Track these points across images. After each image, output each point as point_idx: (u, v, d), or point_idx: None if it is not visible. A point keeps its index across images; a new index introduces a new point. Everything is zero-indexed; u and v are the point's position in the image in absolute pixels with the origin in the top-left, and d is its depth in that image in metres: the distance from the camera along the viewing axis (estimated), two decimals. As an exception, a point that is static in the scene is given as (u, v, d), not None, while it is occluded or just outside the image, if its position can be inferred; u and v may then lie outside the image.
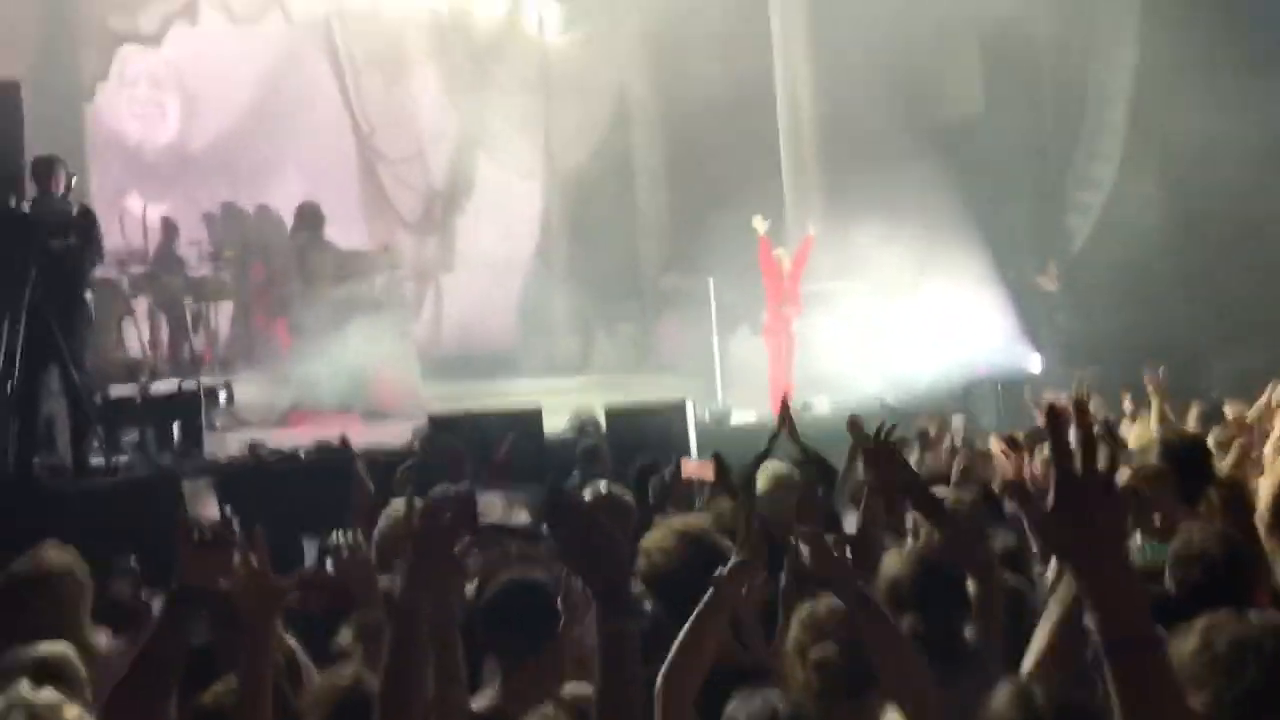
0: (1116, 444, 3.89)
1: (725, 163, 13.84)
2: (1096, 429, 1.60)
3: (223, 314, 11.12)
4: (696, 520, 3.17)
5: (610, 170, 14.78)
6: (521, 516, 2.18)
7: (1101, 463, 1.57)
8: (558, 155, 14.98)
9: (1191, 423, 6.22)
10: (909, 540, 3.69)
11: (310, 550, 4.42)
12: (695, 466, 4.47)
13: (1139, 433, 5.79)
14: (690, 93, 13.56)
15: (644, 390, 11.99)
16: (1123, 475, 3.58)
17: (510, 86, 15.13)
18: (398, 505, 3.40)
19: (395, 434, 8.46)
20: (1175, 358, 8.02)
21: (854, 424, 3.60)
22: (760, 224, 12.11)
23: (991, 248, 13.01)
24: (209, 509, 2.46)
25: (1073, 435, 1.57)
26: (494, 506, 2.20)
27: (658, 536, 3.02)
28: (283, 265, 11.26)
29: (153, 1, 12.16)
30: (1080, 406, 1.67)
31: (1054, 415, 1.60)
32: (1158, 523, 3.57)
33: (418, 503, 2.30)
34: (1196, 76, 12.72)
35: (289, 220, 11.50)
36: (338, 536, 3.12)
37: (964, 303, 12.48)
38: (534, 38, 15.70)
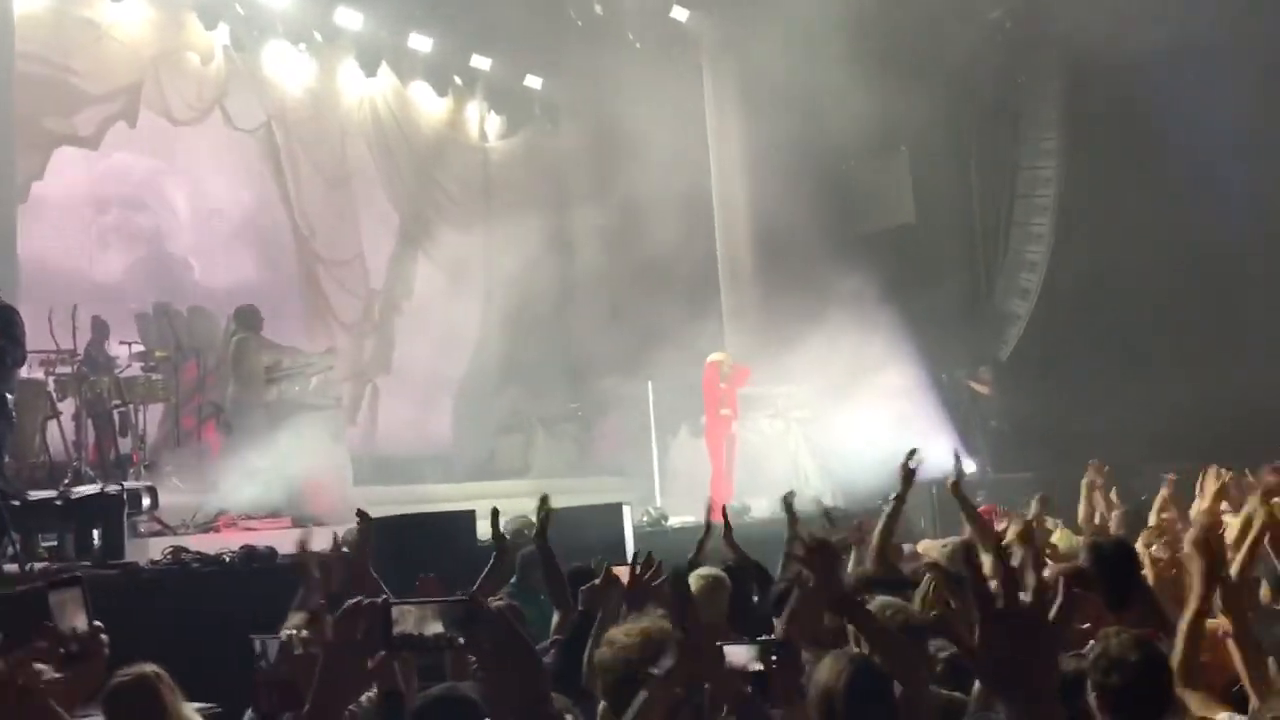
0: (1040, 563, 3.88)
1: (665, 265, 14.02)
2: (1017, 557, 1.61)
3: (152, 416, 10.90)
4: (661, 622, 3.15)
5: (550, 273, 14.89)
6: (435, 626, 2.13)
7: (1027, 594, 1.57)
8: (498, 258, 15.08)
9: (1114, 525, 6.30)
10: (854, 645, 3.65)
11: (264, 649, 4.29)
12: (625, 572, 4.41)
13: (1060, 536, 5.85)
14: (630, 198, 13.78)
15: (582, 493, 11.91)
16: (1049, 574, 3.58)
17: (451, 190, 15.30)
18: (296, 620, 3.34)
19: (325, 541, 8.26)
20: (1105, 461, 8.14)
21: (788, 502, 3.68)
22: (720, 357, 12.33)
23: (925, 353, 13.23)
24: (77, 619, 2.36)
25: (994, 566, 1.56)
26: (409, 616, 2.15)
27: (624, 631, 3.02)
28: (216, 367, 11.12)
29: (91, 104, 12.14)
30: (1000, 547, 1.66)
31: (967, 551, 1.62)
32: (1086, 625, 3.56)
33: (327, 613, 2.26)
34: (1118, 188, 13.21)
35: (224, 321, 11.39)
36: (291, 635, 3.04)
37: (900, 406, 12.63)
38: (475, 143, 15.93)
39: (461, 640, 2.09)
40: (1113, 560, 3.91)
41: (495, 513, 4.60)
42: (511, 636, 2.01)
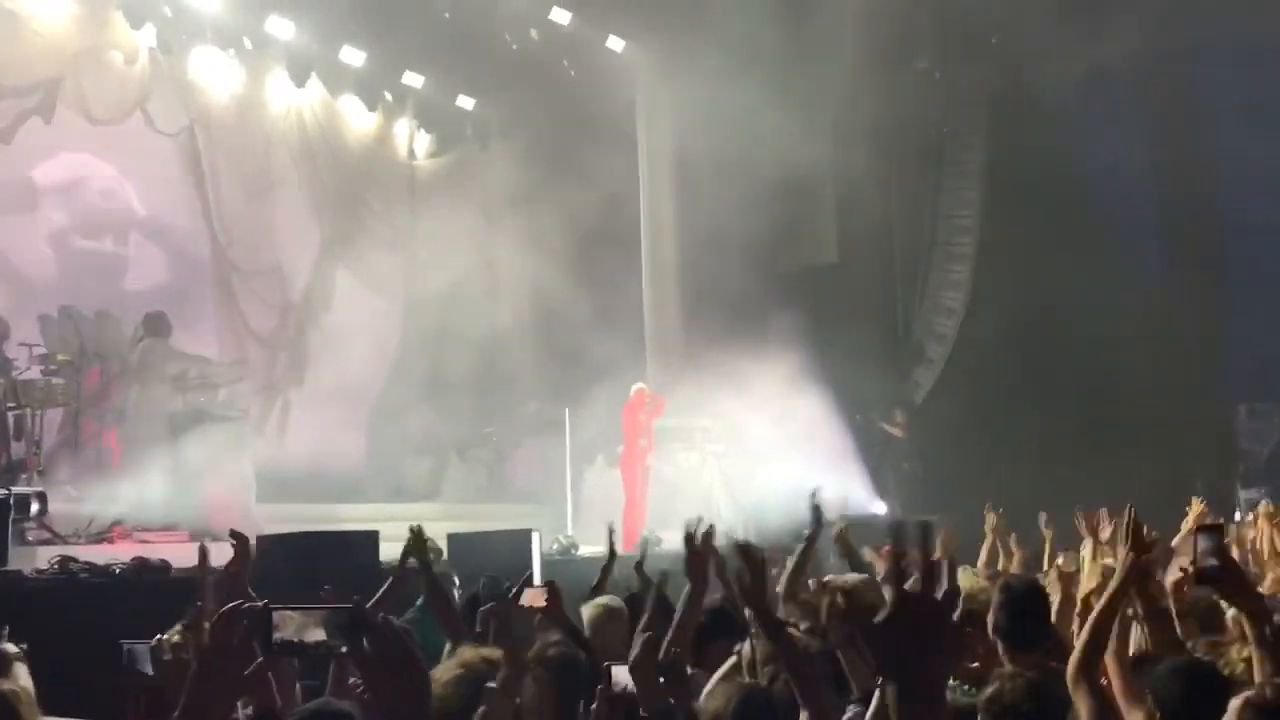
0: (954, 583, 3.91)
1: (588, 293, 13.99)
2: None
3: (50, 421, 10.53)
4: (487, 653, 3.12)
5: (473, 294, 14.76)
6: (317, 633, 2.03)
7: (939, 589, 1.58)
8: (420, 275, 14.92)
9: (1015, 567, 6.37)
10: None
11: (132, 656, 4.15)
12: (530, 595, 4.36)
13: (966, 577, 5.89)
14: (556, 224, 13.75)
15: (494, 519, 11.77)
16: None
17: (375, 205, 15.12)
18: (178, 627, 3.22)
19: (224, 555, 8.03)
20: (1013, 506, 8.26)
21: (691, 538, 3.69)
22: (641, 390, 12.33)
23: (842, 392, 13.35)
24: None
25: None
26: (290, 621, 2.04)
27: (442, 668, 2.98)
28: (120, 373, 10.79)
29: (5, 96, 11.77)
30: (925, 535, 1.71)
31: (898, 534, 1.66)
32: (975, 664, 3.58)
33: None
34: (1035, 238, 13.54)
35: (131, 327, 11.07)
36: (160, 640, 2.93)
37: (815, 444, 12.71)
38: (403, 160, 15.79)
39: (344, 648, 2.00)
40: (1023, 600, 3.90)
41: (420, 532, 4.53)
42: (399, 648, 1.93)
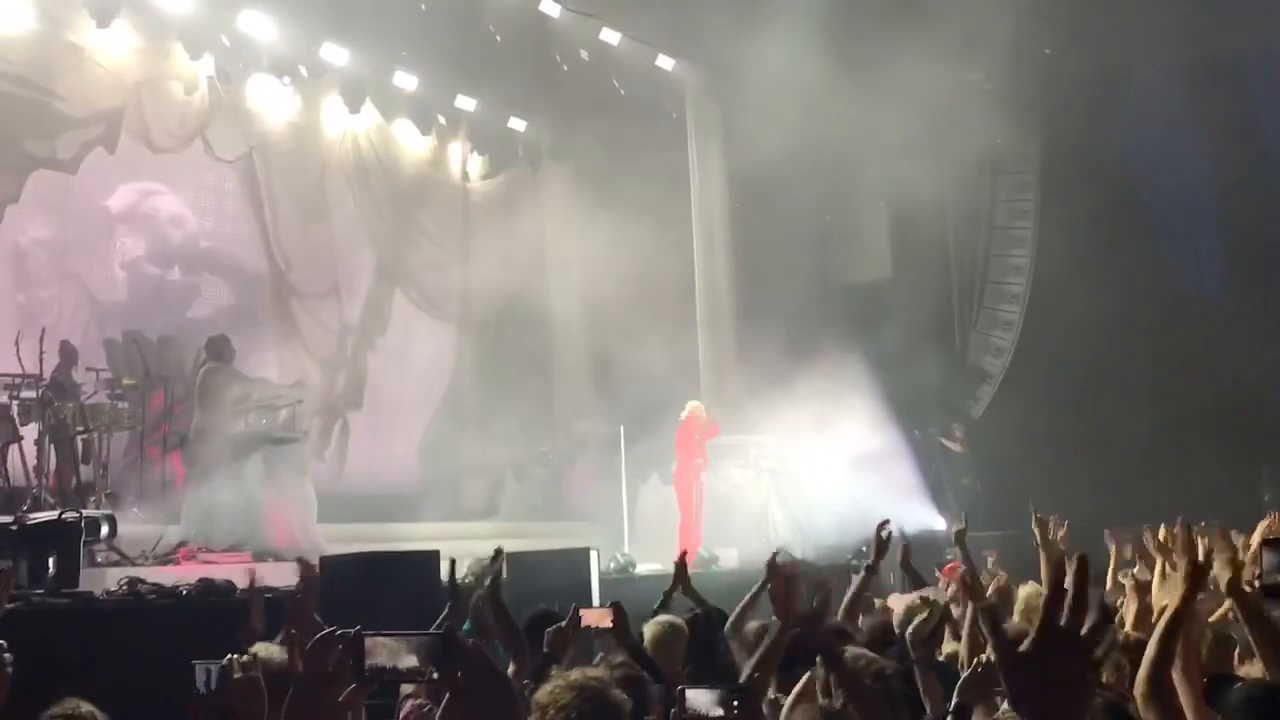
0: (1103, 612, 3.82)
1: (642, 311, 14.01)
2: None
3: (116, 444, 10.75)
4: (595, 673, 3.06)
5: (527, 314, 14.85)
6: (409, 660, 2.05)
7: (1087, 624, 1.53)
8: (474, 297, 15.05)
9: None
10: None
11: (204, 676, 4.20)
12: (594, 615, 4.35)
13: (1028, 594, 5.81)
14: (609, 243, 13.79)
15: (551, 538, 11.80)
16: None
17: (430, 228, 15.28)
18: (268, 648, 3.23)
19: (287, 575, 8.13)
20: (1073, 523, 8.13)
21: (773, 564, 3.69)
22: (696, 408, 12.23)
23: (899, 408, 13.24)
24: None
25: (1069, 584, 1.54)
26: (382, 648, 2.07)
27: (552, 689, 2.90)
28: (183, 397, 11.00)
29: (72, 127, 12.07)
30: (1081, 565, 1.63)
31: (1056, 562, 1.59)
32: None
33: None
34: (1093, 249, 13.34)
35: (194, 351, 11.28)
36: (231, 659, 2.95)
37: (872, 460, 12.61)
38: (457, 183, 15.95)
39: (436, 674, 2.02)
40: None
41: (452, 564, 4.56)
42: (489, 672, 1.95)
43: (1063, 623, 1.52)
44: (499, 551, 4.57)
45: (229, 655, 3.00)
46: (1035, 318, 14.66)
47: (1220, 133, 12.97)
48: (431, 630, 2.12)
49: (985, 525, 12.65)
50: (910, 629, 3.98)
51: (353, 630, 2.12)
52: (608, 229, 13.83)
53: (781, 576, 3.50)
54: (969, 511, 13.73)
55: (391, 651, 2.05)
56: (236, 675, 2.83)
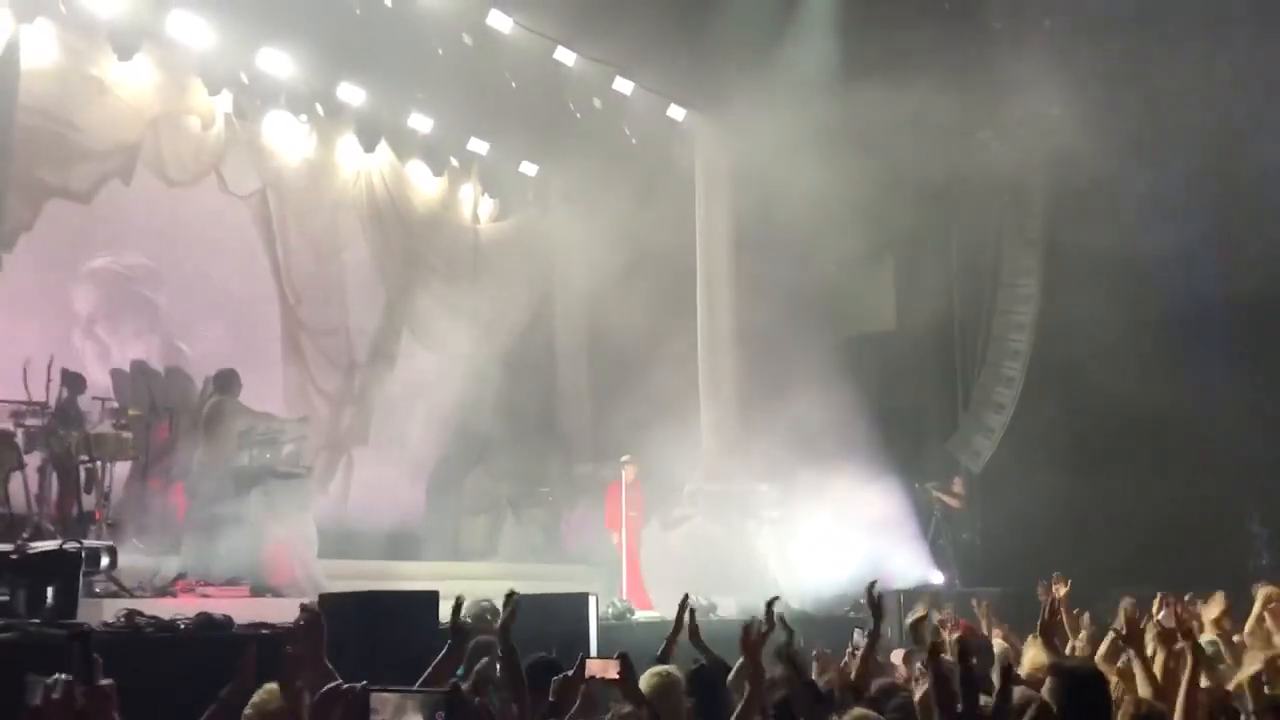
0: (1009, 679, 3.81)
1: (646, 356, 14.08)
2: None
3: (119, 474, 10.77)
4: None
5: (532, 357, 14.93)
6: (414, 717, 2.07)
7: (982, 706, 1.54)
8: (481, 338, 15.13)
9: (1081, 644, 6.25)
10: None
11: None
12: (599, 665, 4.34)
13: (1033, 655, 5.79)
14: (615, 289, 13.89)
15: (548, 579, 11.80)
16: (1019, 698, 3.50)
17: (439, 268, 15.39)
18: (270, 689, 3.24)
19: (285, 612, 8.13)
20: (1073, 579, 8.12)
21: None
22: (628, 466, 12.75)
23: (899, 461, 13.26)
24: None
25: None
26: (387, 703, 2.09)
27: None
28: (188, 429, 11.03)
29: (89, 159, 12.22)
30: (963, 645, 1.64)
31: (933, 654, 1.59)
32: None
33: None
34: (1096, 307, 13.40)
35: (201, 383, 11.33)
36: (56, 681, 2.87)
37: (871, 513, 12.62)
38: (467, 224, 16.09)
39: None
40: (1082, 688, 3.77)
41: (459, 602, 4.53)
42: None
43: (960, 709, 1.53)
44: (512, 594, 4.55)
45: (57, 676, 2.94)
46: (1037, 374, 14.71)
47: (1227, 200, 13.06)
48: (432, 684, 2.13)
49: (985, 581, 12.64)
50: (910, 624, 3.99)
51: (358, 686, 2.14)
52: (614, 275, 13.94)
53: (746, 642, 3.53)
54: (966, 567, 13.77)
55: (397, 708, 2.07)
56: (53, 697, 2.79)
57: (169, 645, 6.72)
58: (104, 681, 2.10)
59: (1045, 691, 3.71)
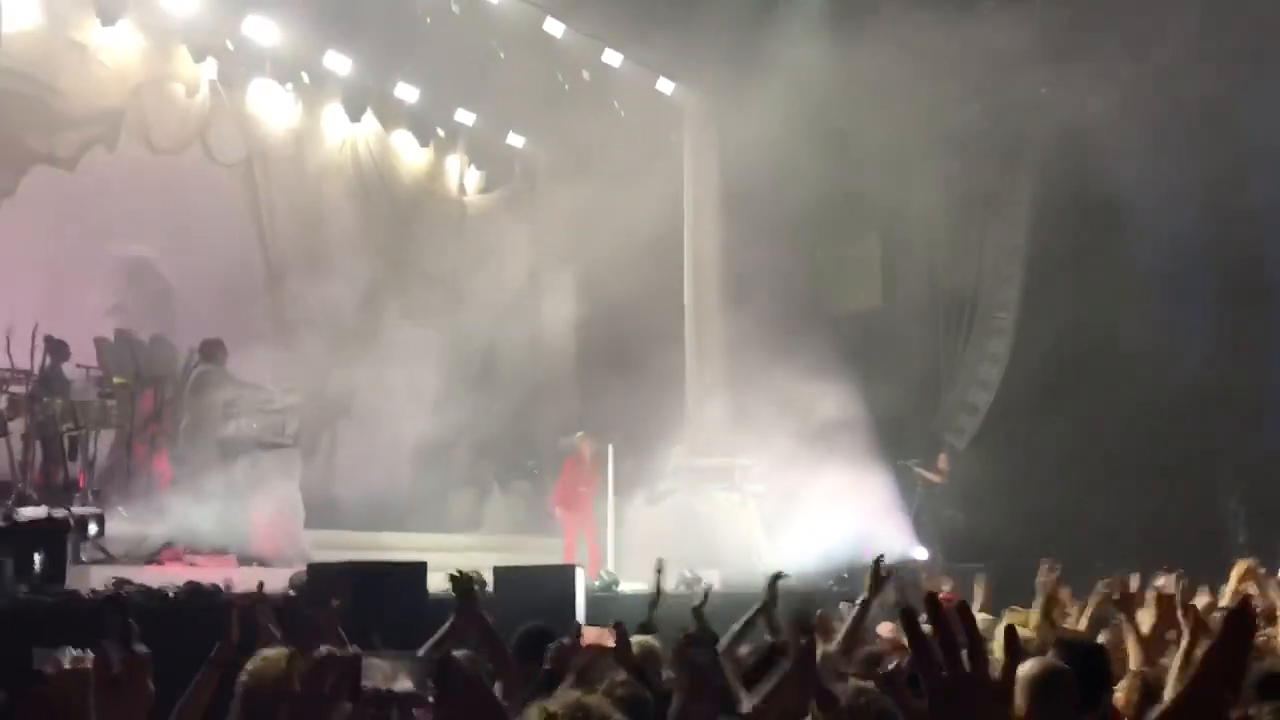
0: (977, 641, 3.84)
1: (632, 330, 14.09)
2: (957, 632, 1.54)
3: (104, 442, 10.73)
4: (594, 694, 3.09)
5: (518, 328, 14.91)
6: (405, 683, 2.08)
7: (967, 664, 1.52)
8: (467, 309, 15.09)
9: (1083, 624, 6.29)
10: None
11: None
12: (596, 634, 4.38)
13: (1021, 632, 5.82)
14: (602, 262, 13.87)
15: (534, 551, 11.84)
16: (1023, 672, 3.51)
17: (425, 239, 15.31)
18: (275, 652, 3.25)
19: (271, 580, 8.14)
20: (1056, 556, 8.20)
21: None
22: (582, 442, 12.90)
23: (884, 437, 13.33)
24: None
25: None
26: (378, 670, 2.10)
27: (552, 710, 2.93)
28: (173, 398, 10.99)
29: (72, 125, 12.08)
30: (955, 608, 1.59)
31: (907, 617, 1.54)
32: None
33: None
34: (1081, 286, 13.49)
35: (185, 352, 11.27)
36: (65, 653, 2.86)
37: (855, 487, 12.69)
38: (453, 196, 16.01)
39: (431, 698, 2.05)
40: (1085, 660, 3.81)
41: (468, 579, 4.54)
42: (485, 697, 1.99)
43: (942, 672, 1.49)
44: (471, 575, 4.60)
45: (66, 648, 2.95)
46: (1021, 352, 14.79)
47: (1213, 172, 13.13)
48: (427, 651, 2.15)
49: (967, 556, 12.75)
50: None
51: (349, 652, 2.15)
52: (601, 247, 13.91)
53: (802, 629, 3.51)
54: (948, 543, 13.87)
55: (387, 674, 2.08)
56: (66, 668, 2.81)
57: (158, 613, 6.74)
58: (139, 648, 2.09)
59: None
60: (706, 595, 5.39)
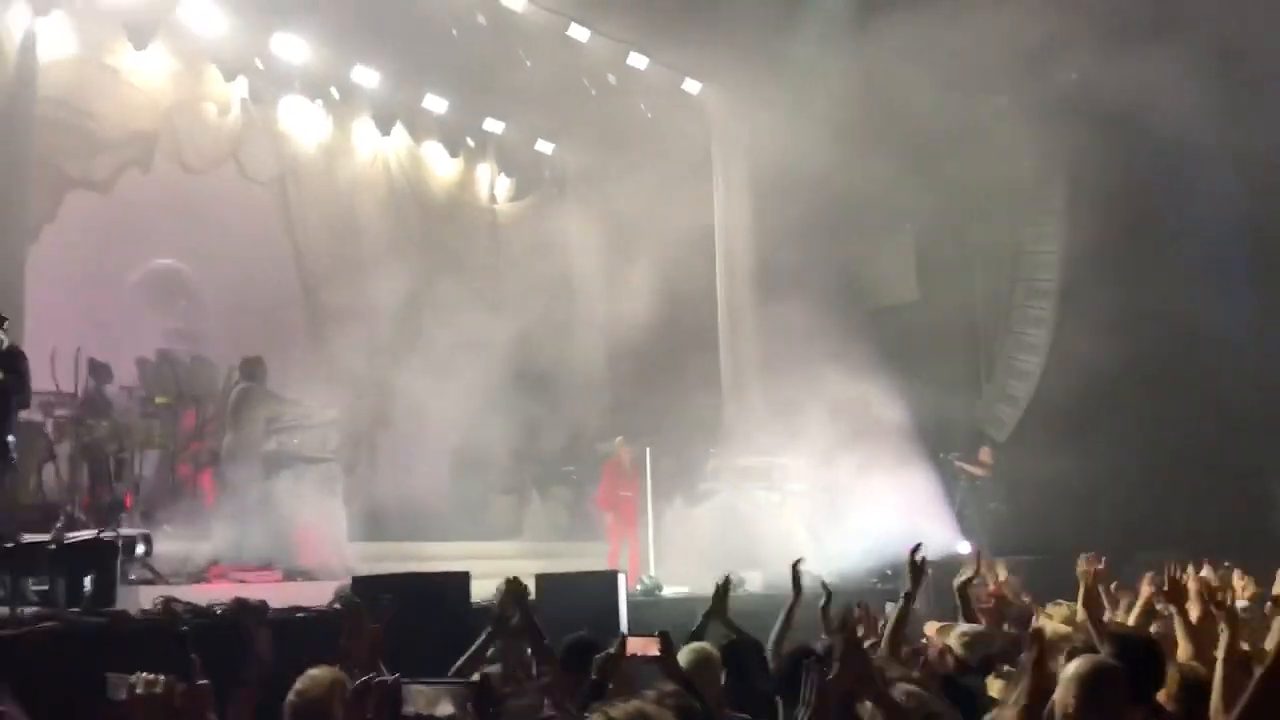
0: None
1: (667, 333, 14.07)
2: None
3: (148, 462, 10.87)
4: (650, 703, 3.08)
5: (552, 334, 14.93)
6: (446, 708, 2.09)
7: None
8: (502, 317, 15.13)
9: (1124, 615, 6.21)
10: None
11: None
12: (640, 643, 4.38)
13: (1053, 626, 5.76)
14: (635, 266, 13.88)
15: (574, 557, 11.84)
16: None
17: (457, 249, 15.39)
18: (322, 672, 3.26)
19: (316, 594, 8.20)
20: (1101, 548, 8.11)
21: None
22: (621, 447, 12.97)
23: (924, 432, 13.22)
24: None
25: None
26: (420, 696, 2.11)
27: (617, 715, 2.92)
28: (214, 416, 11.11)
29: (108, 148, 12.26)
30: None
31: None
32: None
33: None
34: (1120, 272, 13.32)
35: (225, 370, 11.40)
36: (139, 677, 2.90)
37: (897, 484, 12.60)
38: (484, 205, 16.08)
39: None
40: (1139, 653, 3.74)
41: (519, 586, 4.55)
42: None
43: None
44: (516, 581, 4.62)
45: (139, 673, 2.99)
46: (1061, 343, 14.62)
47: (1253, 157, 12.92)
48: (468, 679, 2.15)
49: (1012, 550, 12.63)
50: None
51: (389, 678, 2.16)
52: (633, 250, 13.92)
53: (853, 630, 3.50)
54: (994, 536, 13.72)
55: (429, 699, 2.09)
56: (138, 692, 2.84)
57: (207, 630, 6.79)
58: (201, 681, 2.13)
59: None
60: (724, 597, 5.38)
